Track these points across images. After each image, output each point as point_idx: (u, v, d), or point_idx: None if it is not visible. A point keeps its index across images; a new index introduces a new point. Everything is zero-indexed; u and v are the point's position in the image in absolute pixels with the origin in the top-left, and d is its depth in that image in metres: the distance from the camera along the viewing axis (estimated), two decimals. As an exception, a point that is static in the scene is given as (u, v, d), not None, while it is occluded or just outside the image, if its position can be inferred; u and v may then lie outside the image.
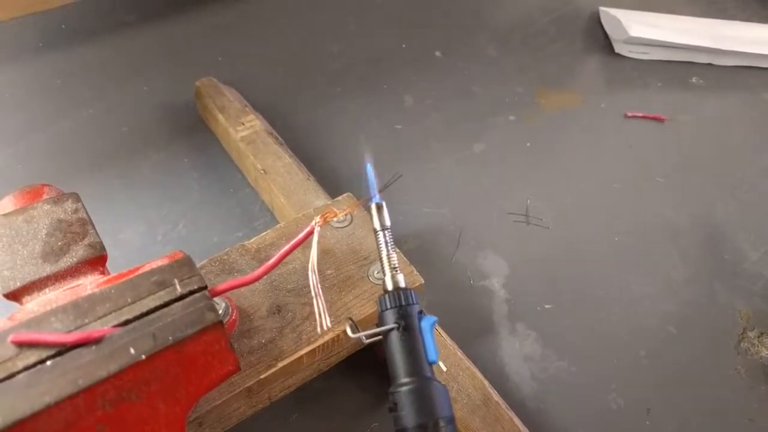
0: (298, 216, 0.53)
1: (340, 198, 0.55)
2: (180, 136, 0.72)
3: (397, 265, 0.40)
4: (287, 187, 0.60)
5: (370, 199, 0.41)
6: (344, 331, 0.45)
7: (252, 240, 0.50)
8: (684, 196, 0.72)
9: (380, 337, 0.38)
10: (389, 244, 0.40)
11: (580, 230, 0.66)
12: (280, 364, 0.42)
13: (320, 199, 0.58)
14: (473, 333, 0.56)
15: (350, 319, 0.39)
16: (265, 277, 0.38)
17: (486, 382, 0.47)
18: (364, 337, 0.38)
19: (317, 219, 0.40)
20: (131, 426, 0.30)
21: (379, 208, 0.40)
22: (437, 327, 0.49)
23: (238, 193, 0.66)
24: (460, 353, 0.48)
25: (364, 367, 0.51)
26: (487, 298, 0.59)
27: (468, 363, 0.48)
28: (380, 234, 0.40)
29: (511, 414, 0.45)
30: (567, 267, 0.63)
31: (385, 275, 0.39)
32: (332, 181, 0.66)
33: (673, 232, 0.67)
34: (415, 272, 0.49)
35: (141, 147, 0.70)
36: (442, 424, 0.34)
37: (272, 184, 0.60)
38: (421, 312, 0.38)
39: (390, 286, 0.39)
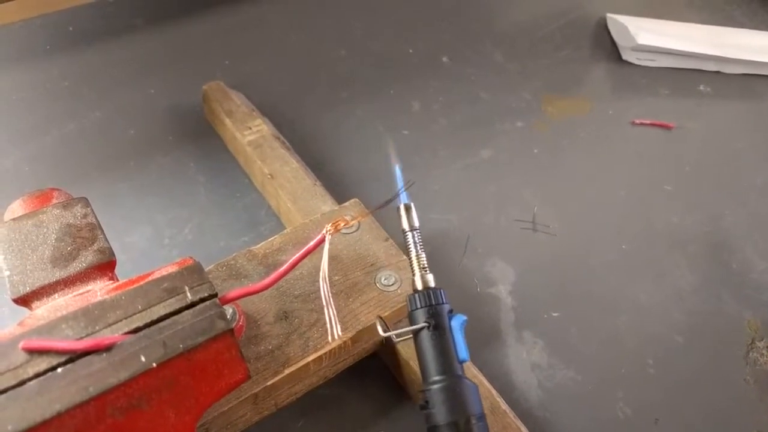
0: (305, 221, 0.53)
1: (347, 204, 0.55)
2: (187, 139, 0.72)
3: (426, 265, 0.40)
4: (294, 192, 0.59)
5: (397, 200, 0.41)
6: (351, 339, 0.45)
7: (259, 245, 0.50)
8: (691, 204, 0.71)
9: (410, 336, 0.38)
10: (418, 245, 0.41)
11: (587, 238, 0.66)
12: (287, 371, 0.42)
13: (327, 204, 0.58)
14: (480, 340, 0.55)
15: (380, 317, 0.40)
16: (273, 283, 0.38)
17: (493, 391, 0.47)
18: (394, 336, 0.38)
19: (328, 227, 0.39)
20: (141, 434, 0.29)
21: (407, 209, 0.41)
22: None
23: (245, 197, 0.66)
24: (467, 361, 0.48)
25: (371, 375, 0.51)
26: (494, 306, 0.59)
27: (475, 371, 0.48)
28: (409, 234, 0.40)
29: (519, 423, 0.45)
30: (574, 275, 0.62)
31: (414, 275, 0.40)
32: (339, 186, 0.66)
33: (680, 241, 0.67)
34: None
35: (148, 150, 0.70)
36: (473, 421, 0.35)
37: (279, 188, 0.60)
38: (451, 311, 0.38)
39: (420, 286, 0.39)
